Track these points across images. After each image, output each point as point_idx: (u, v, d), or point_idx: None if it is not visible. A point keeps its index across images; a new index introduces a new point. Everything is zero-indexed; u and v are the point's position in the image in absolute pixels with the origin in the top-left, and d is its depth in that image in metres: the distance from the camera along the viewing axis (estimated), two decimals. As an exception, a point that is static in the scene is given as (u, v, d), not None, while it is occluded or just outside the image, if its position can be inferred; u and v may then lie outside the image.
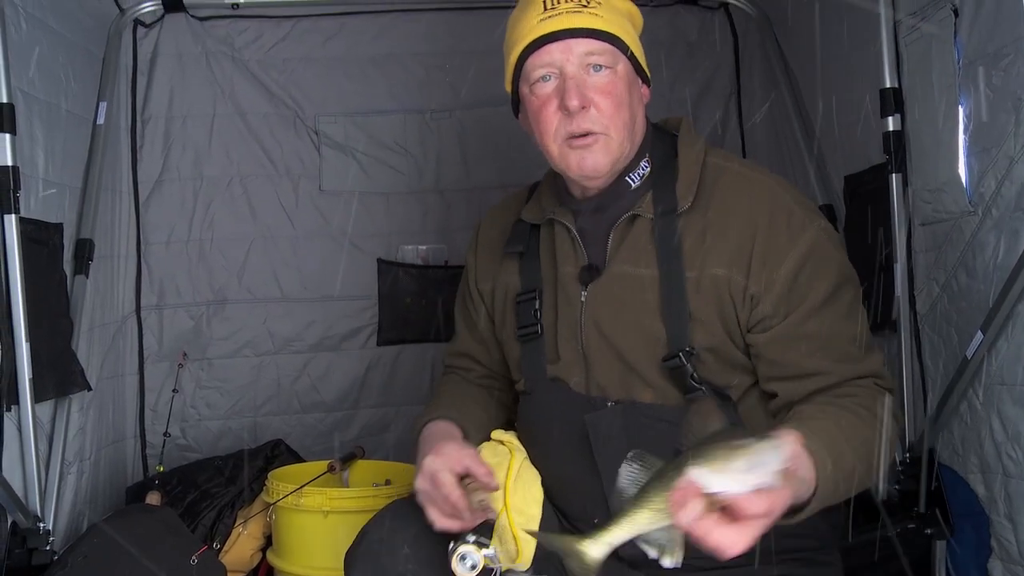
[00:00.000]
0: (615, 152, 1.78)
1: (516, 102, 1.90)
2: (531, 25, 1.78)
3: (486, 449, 1.96)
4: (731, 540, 1.22)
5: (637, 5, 3.30)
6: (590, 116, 1.75)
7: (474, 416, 2.00)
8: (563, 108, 1.75)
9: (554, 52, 1.76)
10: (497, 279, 2.04)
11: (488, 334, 2.09)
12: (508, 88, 1.89)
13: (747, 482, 1.17)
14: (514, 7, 1.88)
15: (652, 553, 1.31)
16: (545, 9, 1.78)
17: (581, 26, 1.75)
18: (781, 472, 1.18)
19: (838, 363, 1.72)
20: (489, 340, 2.10)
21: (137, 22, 3.24)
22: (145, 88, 3.30)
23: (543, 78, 1.78)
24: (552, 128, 1.78)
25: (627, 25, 1.83)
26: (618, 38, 1.78)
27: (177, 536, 2.66)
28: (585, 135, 1.76)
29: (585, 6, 1.77)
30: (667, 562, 1.30)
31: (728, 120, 3.49)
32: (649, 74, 1.87)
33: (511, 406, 2.10)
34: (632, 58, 1.81)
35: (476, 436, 1.92)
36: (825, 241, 1.75)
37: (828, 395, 1.71)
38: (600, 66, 1.76)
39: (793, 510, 1.44)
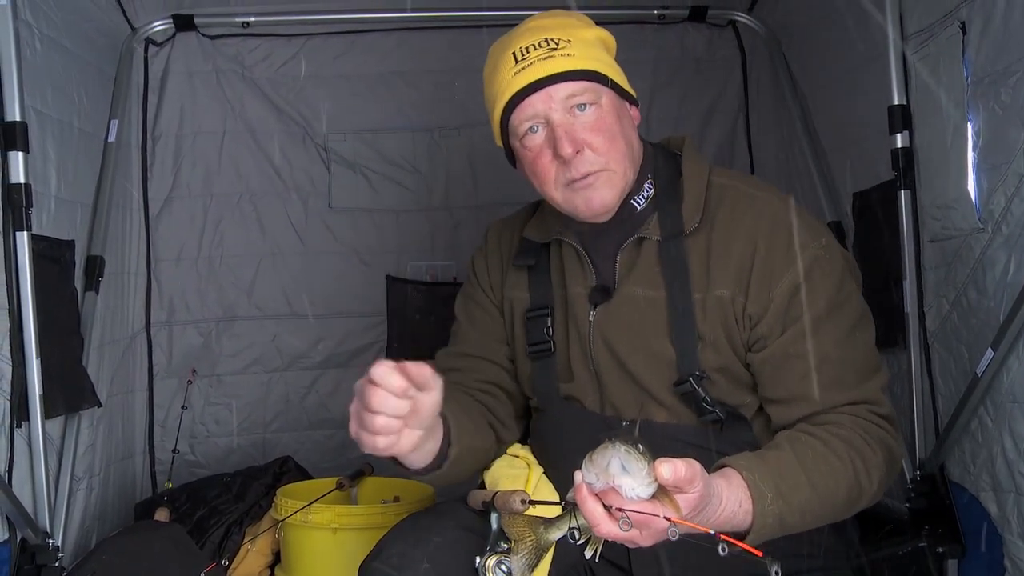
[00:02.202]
0: (619, 184, 1.78)
1: (510, 155, 1.89)
2: (506, 80, 1.76)
3: (503, 462, 1.95)
4: (610, 531, 1.36)
5: (647, 22, 3.32)
6: (586, 158, 1.73)
7: (462, 421, 1.80)
8: (558, 157, 1.74)
9: (536, 103, 1.74)
10: (506, 291, 2.03)
11: (496, 336, 2.04)
12: (498, 143, 1.87)
13: (605, 477, 1.34)
14: (546, 11, 1.87)
15: (580, 539, 1.46)
16: (516, 61, 1.76)
17: (556, 71, 1.73)
18: (653, 482, 1.34)
19: (828, 388, 1.71)
20: (495, 344, 2.04)
21: (149, 41, 3.28)
22: (156, 106, 3.32)
23: (531, 129, 1.77)
24: (551, 177, 1.77)
25: (601, 54, 1.81)
26: (596, 72, 1.76)
27: (185, 553, 2.66)
28: (586, 176, 1.74)
29: (555, 49, 1.75)
30: (587, 552, 1.47)
31: (736, 137, 3.49)
32: (635, 93, 1.85)
33: (505, 421, 2.00)
34: (614, 85, 1.79)
35: (457, 438, 1.74)
36: (825, 261, 1.75)
37: (810, 423, 1.70)
38: (584, 105, 1.74)
39: (735, 538, 1.48)
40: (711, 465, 1.53)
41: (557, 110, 1.74)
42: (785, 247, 1.74)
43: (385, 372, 1.46)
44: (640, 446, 1.34)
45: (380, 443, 1.50)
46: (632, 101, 1.86)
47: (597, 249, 1.89)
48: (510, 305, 2.02)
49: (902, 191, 2.34)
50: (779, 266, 1.73)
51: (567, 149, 1.72)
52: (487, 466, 1.97)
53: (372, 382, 1.46)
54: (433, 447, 1.69)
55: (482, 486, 1.94)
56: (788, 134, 3.18)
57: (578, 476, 1.38)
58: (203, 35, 3.33)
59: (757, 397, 1.80)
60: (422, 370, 1.49)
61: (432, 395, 1.52)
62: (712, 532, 1.35)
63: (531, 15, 1.87)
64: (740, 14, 3.40)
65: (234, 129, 3.39)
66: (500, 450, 2.02)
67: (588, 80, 1.75)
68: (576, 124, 1.74)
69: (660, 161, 1.90)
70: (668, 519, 1.34)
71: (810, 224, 1.80)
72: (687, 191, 1.83)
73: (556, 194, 1.79)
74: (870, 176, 2.56)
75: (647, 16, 3.39)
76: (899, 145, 2.34)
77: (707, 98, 3.48)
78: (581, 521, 1.43)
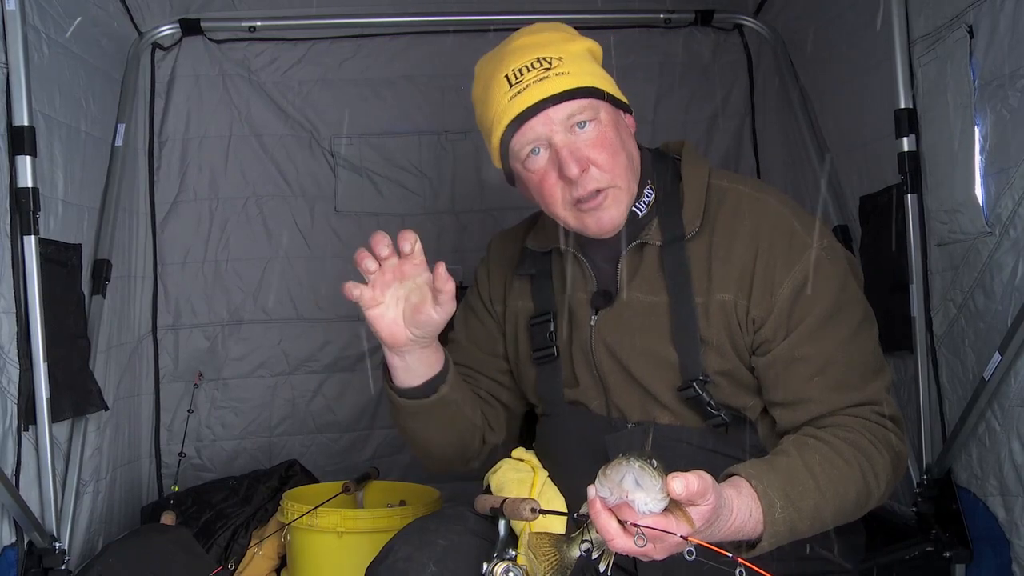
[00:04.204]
0: (625, 199, 1.77)
1: (509, 176, 1.86)
2: (503, 105, 1.74)
3: (508, 466, 1.95)
4: (625, 547, 1.36)
5: (653, 27, 3.32)
6: (592, 176, 1.72)
7: (460, 382, 1.93)
8: (563, 177, 1.72)
9: (536, 127, 1.72)
10: (508, 302, 2.04)
11: (491, 350, 2.07)
12: (497, 165, 1.85)
13: (619, 492, 1.34)
14: (529, 25, 1.87)
15: (595, 554, 1.46)
16: (511, 85, 1.73)
17: (553, 92, 1.71)
18: (665, 497, 1.34)
19: (832, 391, 1.71)
20: (489, 358, 2.06)
21: (155, 45, 3.28)
22: (163, 110, 3.33)
23: (532, 152, 1.75)
24: (558, 198, 1.75)
25: (592, 67, 1.80)
26: (591, 88, 1.74)
27: (191, 556, 2.66)
28: (593, 194, 1.73)
29: (549, 68, 1.72)
30: (601, 566, 1.47)
31: (742, 141, 3.49)
32: (627, 100, 1.83)
33: (493, 425, 2.05)
34: (610, 98, 1.77)
35: (453, 384, 1.87)
36: (827, 262, 1.74)
37: (815, 426, 1.71)
38: (584, 122, 1.72)
39: (747, 546, 1.53)
40: (717, 467, 1.54)
41: (558, 131, 1.71)
42: (787, 249, 1.74)
43: (379, 237, 1.70)
44: (654, 461, 1.34)
45: (364, 293, 1.73)
46: (626, 109, 1.84)
47: (598, 255, 1.89)
48: (514, 315, 2.03)
49: (909, 195, 2.34)
50: (781, 269, 1.73)
51: (573, 170, 1.70)
52: (492, 470, 1.98)
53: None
54: (423, 371, 1.83)
55: (487, 490, 1.94)
56: (794, 138, 3.17)
57: (591, 491, 1.38)
58: (210, 39, 3.33)
59: (761, 400, 1.80)
60: (448, 281, 1.67)
61: (438, 313, 1.70)
62: (731, 555, 1.35)
63: (521, 27, 1.85)
64: (746, 18, 3.40)
65: (240, 133, 3.39)
66: (483, 451, 2.03)
67: (585, 97, 1.73)
68: (578, 142, 1.72)
69: (659, 166, 1.89)
70: (684, 538, 1.34)
71: (811, 225, 1.79)
72: (687, 195, 1.83)
73: (565, 214, 1.77)
74: (877, 180, 2.56)
75: (653, 20, 3.40)
76: (906, 149, 2.34)
77: (713, 102, 3.48)
78: (594, 535, 1.43)
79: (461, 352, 2.08)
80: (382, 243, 1.69)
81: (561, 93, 1.71)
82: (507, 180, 1.89)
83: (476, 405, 1.99)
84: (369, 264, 1.71)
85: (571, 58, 1.76)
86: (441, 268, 1.65)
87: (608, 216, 1.75)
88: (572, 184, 1.72)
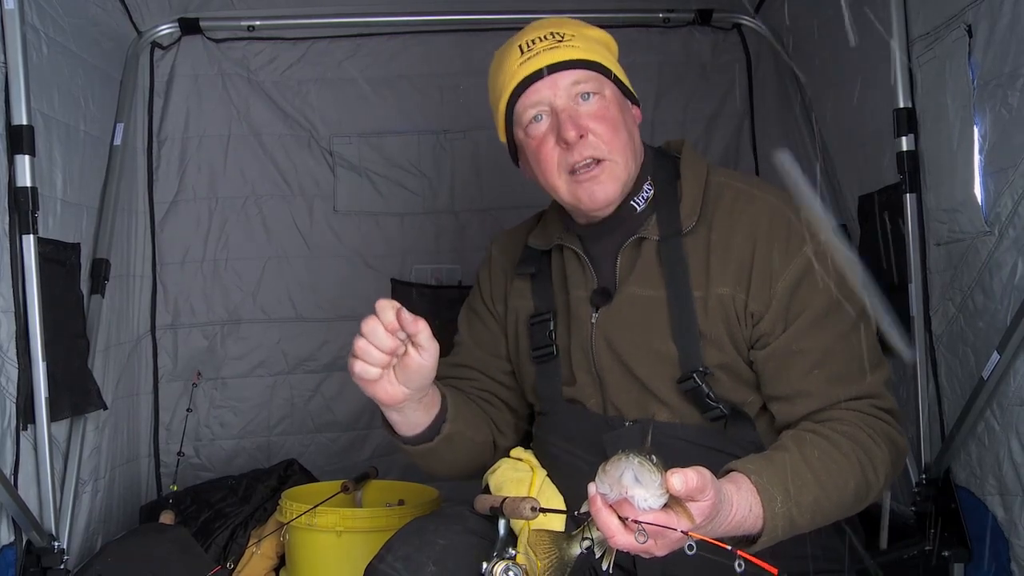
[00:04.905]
0: (622, 176, 1.79)
1: (513, 152, 1.90)
2: (512, 70, 1.80)
3: (506, 465, 1.95)
4: (626, 543, 1.35)
5: (652, 26, 3.34)
6: (589, 143, 1.75)
7: (461, 408, 1.91)
8: (561, 141, 1.75)
9: (542, 90, 1.77)
10: (509, 302, 2.05)
11: (494, 352, 2.07)
12: (502, 137, 1.89)
13: (619, 489, 1.33)
14: (528, 26, 1.89)
15: (598, 553, 1.46)
16: (523, 53, 1.80)
17: (562, 59, 1.77)
18: (665, 493, 1.33)
19: (831, 384, 1.72)
20: (493, 359, 2.07)
21: (154, 45, 3.28)
22: (162, 109, 3.33)
23: (535, 118, 1.79)
24: (554, 163, 1.78)
25: (605, 52, 1.85)
26: (599, 64, 1.80)
27: (190, 556, 2.66)
28: (589, 164, 1.75)
29: (561, 40, 1.79)
30: (604, 564, 1.46)
31: (741, 141, 3.50)
32: (636, 95, 1.88)
33: (502, 429, 2.06)
34: (617, 81, 1.83)
35: (453, 417, 1.85)
36: (825, 256, 1.75)
37: (814, 420, 1.71)
38: (588, 94, 1.77)
39: (747, 541, 1.53)
40: (716, 464, 1.54)
41: (562, 97, 1.77)
42: (785, 243, 1.75)
43: (384, 305, 1.60)
44: (653, 457, 1.35)
45: (356, 367, 1.65)
46: (634, 100, 1.88)
47: (598, 252, 1.90)
48: (515, 315, 2.03)
49: (908, 194, 2.34)
50: (779, 262, 1.74)
51: (570, 132, 1.73)
52: (490, 469, 1.98)
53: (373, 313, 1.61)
54: (423, 419, 1.80)
55: (486, 490, 1.94)
56: (793, 138, 3.17)
57: (591, 488, 1.38)
58: (208, 39, 3.33)
59: (760, 395, 1.81)
60: (417, 322, 1.60)
61: (423, 357, 1.63)
62: (730, 548, 1.34)
63: (535, 19, 1.89)
64: (745, 17, 3.40)
65: (239, 132, 3.39)
66: (497, 456, 2.03)
67: (592, 70, 1.79)
68: (580, 111, 1.77)
69: (659, 163, 1.91)
70: (685, 533, 1.34)
71: (809, 219, 1.80)
72: (685, 191, 1.85)
73: (559, 182, 1.80)
74: (876, 179, 2.56)
75: (652, 20, 3.40)
76: (904, 148, 2.33)
77: (712, 102, 3.48)
78: (596, 533, 1.43)
79: (465, 354, 2.09)
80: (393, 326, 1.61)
81: (569, 61, 1.77)
82: (511, 158, 1.93)
83: (482, 422, 2.00)
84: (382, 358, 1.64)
85: (585, 38, 1.83)
86: (404, 313, 1.60)
87: (602, 190, 1.77)
88: (569, 150, 1.75)
